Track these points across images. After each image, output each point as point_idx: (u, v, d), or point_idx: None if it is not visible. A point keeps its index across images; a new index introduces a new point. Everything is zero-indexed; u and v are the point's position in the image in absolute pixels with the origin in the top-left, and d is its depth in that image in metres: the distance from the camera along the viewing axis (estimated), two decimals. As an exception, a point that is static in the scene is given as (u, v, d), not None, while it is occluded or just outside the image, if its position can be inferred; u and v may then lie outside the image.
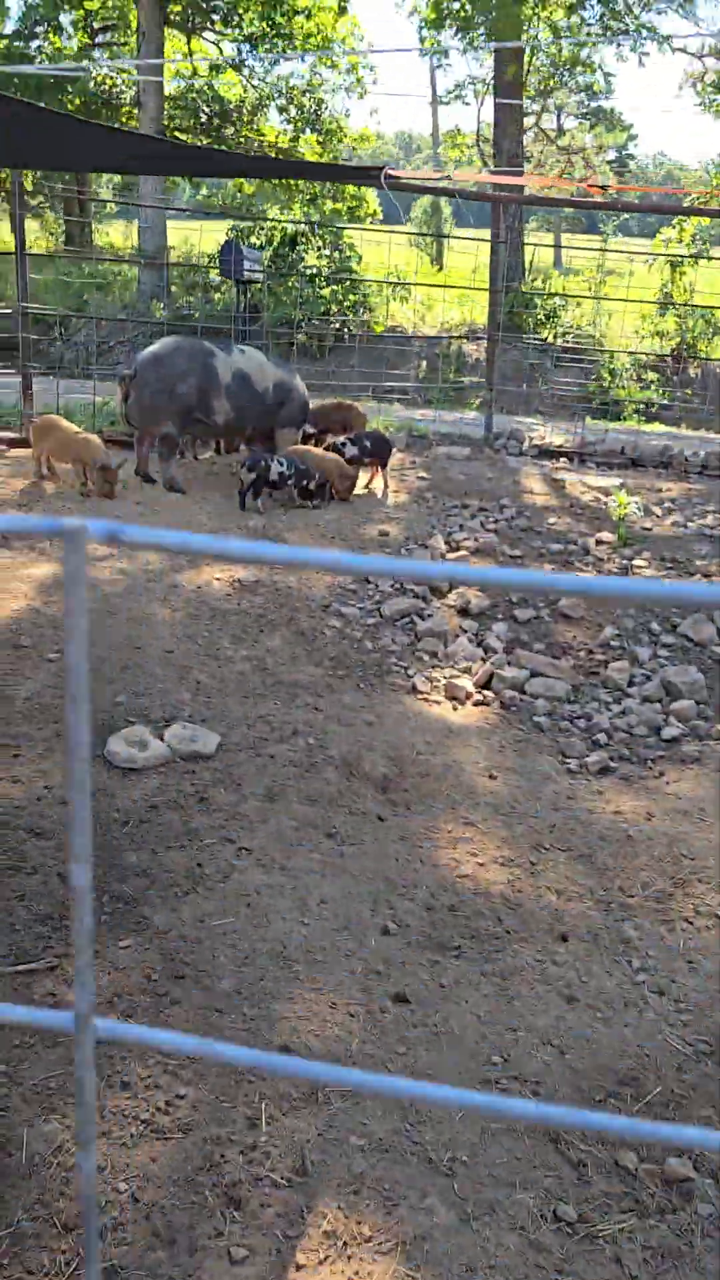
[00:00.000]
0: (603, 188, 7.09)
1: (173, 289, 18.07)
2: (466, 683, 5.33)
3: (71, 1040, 2.73)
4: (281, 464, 7.54)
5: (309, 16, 20.77)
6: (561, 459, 10.16)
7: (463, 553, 7.05)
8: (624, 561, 7.17)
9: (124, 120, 21.29)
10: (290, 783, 4.15)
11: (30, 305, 8.70)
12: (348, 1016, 2.90)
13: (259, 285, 13.31)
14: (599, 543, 7.52)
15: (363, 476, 8.26)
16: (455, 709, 5.15)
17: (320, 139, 22.04)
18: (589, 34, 19.58)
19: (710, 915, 3.50)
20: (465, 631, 6.02)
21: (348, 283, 17.15)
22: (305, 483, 7.65)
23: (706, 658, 5.81)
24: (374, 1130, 2.49)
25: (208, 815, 3.86)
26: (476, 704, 5.23)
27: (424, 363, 16.97)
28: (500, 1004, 3.02)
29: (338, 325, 16.78)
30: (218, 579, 6.24)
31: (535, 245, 22.06)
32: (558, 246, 30.84)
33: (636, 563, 7.16)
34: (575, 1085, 2.72)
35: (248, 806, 3.94)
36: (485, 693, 5.32)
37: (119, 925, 3.21)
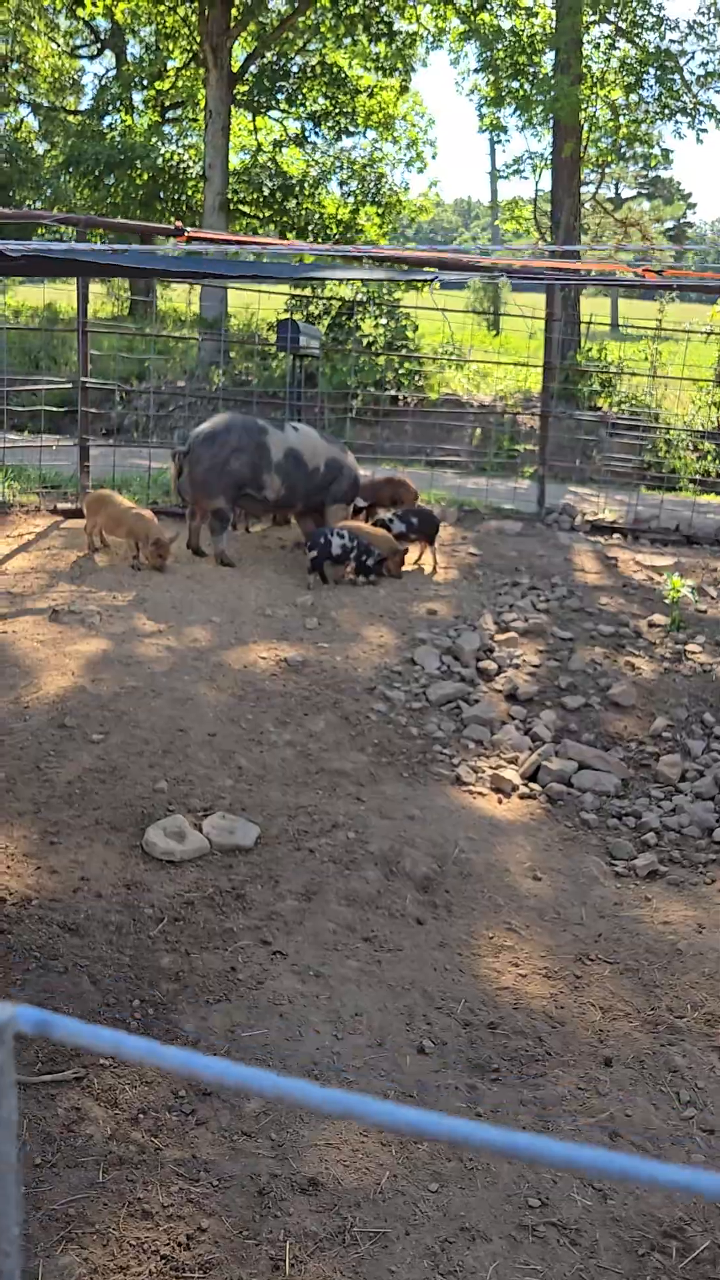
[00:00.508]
0: (658, 273, 7.09)
1: (231, 355, 18.46)
2: (513, 774, 5.23)
3: (98, 1161, 2.65)
4: (343, 537, 7.61)
5: (371, 95, 21.35)
6: (614, 535, 10.08)
7: (512, 634, 6.97)
8: (677, 646, 7.04)
9: (190, 193, 21.97)
10: (329, 880, 4.07)
11: (89, 379, 8.89)
12: (379, 1147, 2.79)
13: (315, 359, 13.54)
14: (651, 625, 7.41)
15: (413, 551, 8.26)
16: (500, 802, 5.04)
17: (380, 211, 22.51)
18: (647, 112, 19.86)
19: (763, 1043, 3.34)
20: (513, 719, 5.92)
21: (403, 351, 17.37)
22: (365, 558, 7.70)
23: (761, 752, 5.65)
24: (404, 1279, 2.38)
25: (244, 914, 3.79)
26: (523, 797, 5.12)
27: (478, 430, 17.09)
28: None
29: (393, 393, 16.98)
30: (264, 658, 6.23)
31: (592, 316, 22.17)
32: (614, 324, 31.05)
33: (690, 648, 7.03)
34: (617, 1235, 2.58)
35: (285, 906, 3.87)
36: (532, 785, 5.21)
37: (147, 1034, 3.14)
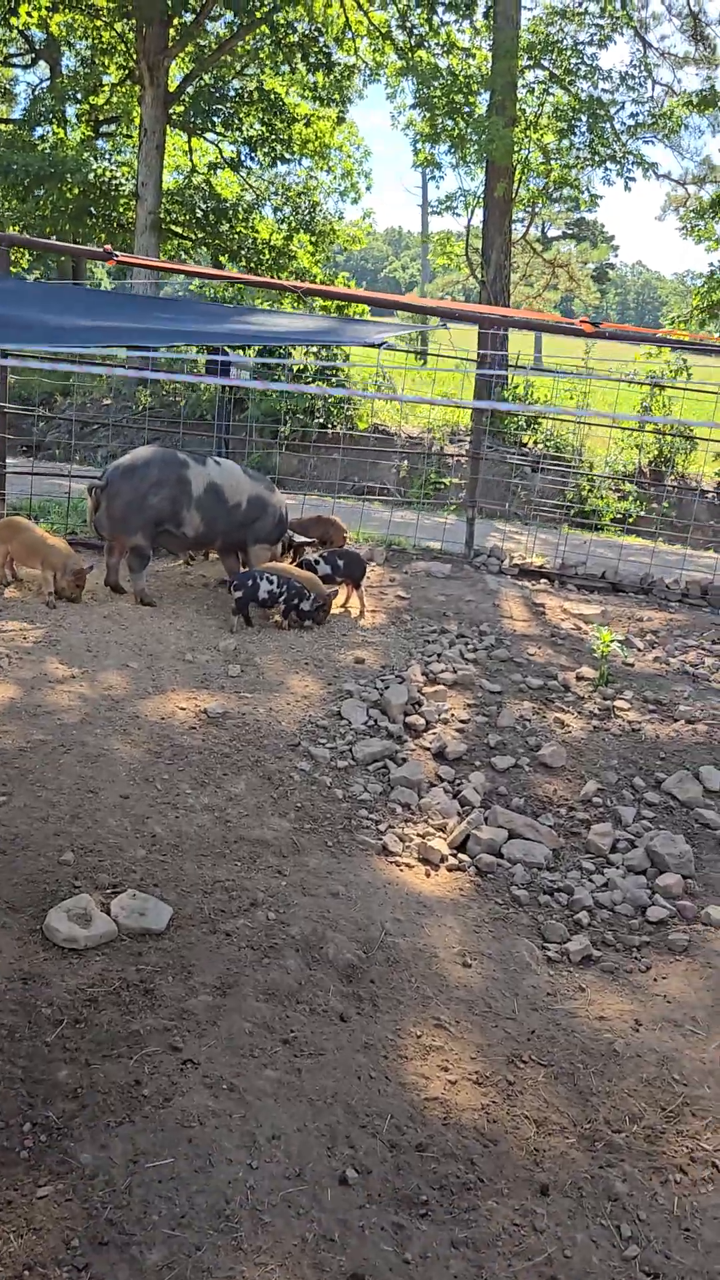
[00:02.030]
0: (594, 324, 7.02)
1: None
2: (441, 844, 5.00)
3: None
4: (271, 582, 7.31)
5: (308, 124, 21.26)
6: (542, 580, 9.99)
7: (440, 686, 6.77)
8: (605, 702, 6.92)
9: (121, 210, 21.56)
10: (247, 970, 3.77)
11: (7, 405, 8.48)
12: (297, 1306, 2.50)
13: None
14: (579, 679, 7.28)
15: (340, 594, 8.03)
16: (429, 875, 4.80)
17: (313, 239, 22.39)
18: (578, 157, 20.14)
19: (707, 1163, 3.14)
20: (442, 780, 5.70)
21: (334, 380, 17.21)
22: (297, 602, 7.41)
23: (693, 821, 5.52)
24: None
25: (153, 1013, 3.47)
26: (451, 869, 4.89)
27: (405, 462, 16.99)
28: (472, 1289, 2.63)
29: (322, 420, 16.79)
30: (182, 708, 5.92)
31: (519, 354, 22.33)
32: (538, 359, 31.43)
33: (618, 703, 6.92)
34: None
35: (197, 1002, 3.56)
36: (461, 856, 4.98)
37: (39, 1165, 2.81)
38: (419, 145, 20.54)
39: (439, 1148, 3.10)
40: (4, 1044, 3.22)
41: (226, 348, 10.83)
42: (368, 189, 23.20)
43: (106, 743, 5.36)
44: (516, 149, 18.37)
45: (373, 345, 4.23)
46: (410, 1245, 2.73)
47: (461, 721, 6.38)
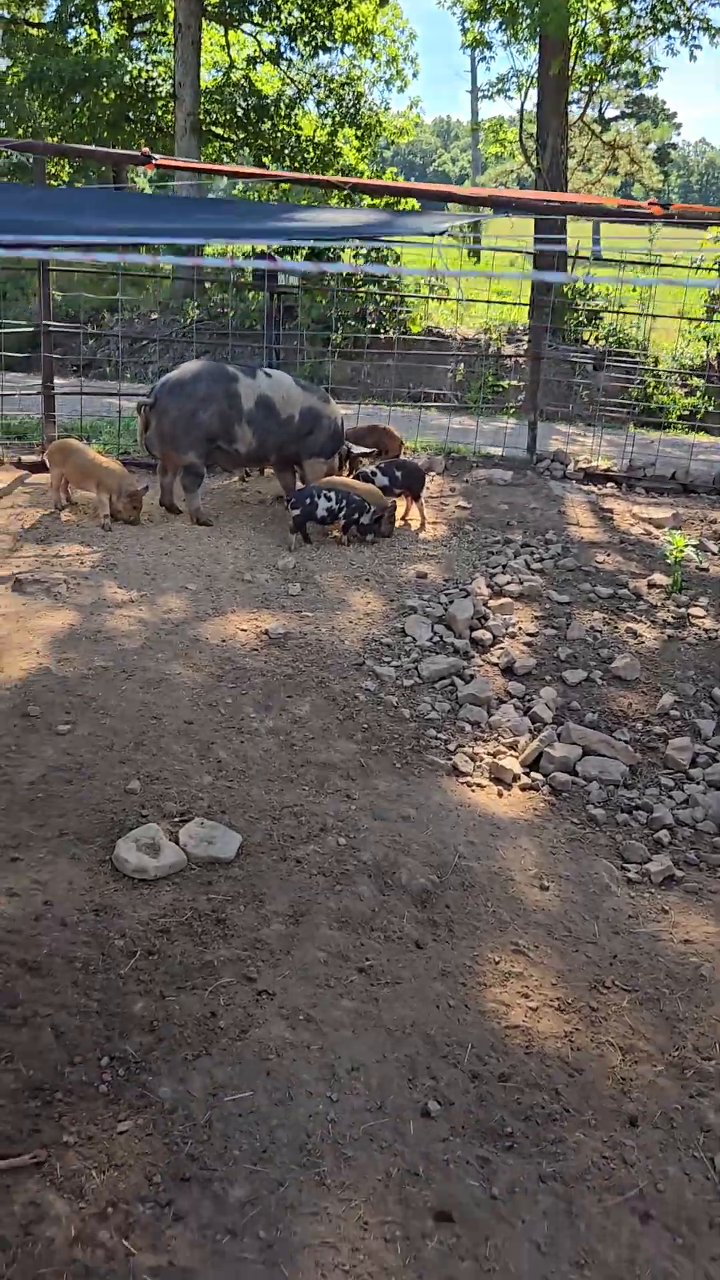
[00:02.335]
0: (664, 206, 6.55)
1: (207, 286, 17.61)
2: (513, 763, 4.86)
3: (60, 1272, 2.30)
4: (330, 498, 7.11)
5: (349, 8, 20.19)
6: (609, 484, 9.63)
7: (506, 599, 6.56)
8: (680, 610, 6.65)
9: (160, 113, 20.81)
10: (319, 898, 3.70)
11: (52, 323, 8.27)
12: (382, 1243, 2.45)
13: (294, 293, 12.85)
14: (651, 587, 7.01)
15: (399, 506, 7.79)
16: (501, 795, 4.67)
17: (359, 134, 21.47)
18: (639, 26, 18.86)
19: None
20: (511, 696, 5.54)
21: (385, 283, 16.62)
22: (358, 516, 7.21)
23: (776, 732, 5.30)
24: None
25: (225, 943, 3.42)
26: (524, 788, 4.76)
27: (461, 365, 16.43)
28: (563, 1224, 2.56)
29: (374, 326, 16.28)
30: (243, 630, 5.80)
31: (578, 243, 21.31)
32: (596, 250, 30.06)
33: (693, 611, 6.65)
34: None
35: (270, 931, 3.50)
36: (534, 775, 4.84)
37: (118, 1100, 2.78)
38: (467, 24, 19.37)
39: (522, 1077, 3.02)
40: (78, 977, 3.19)
41: (273, 251, 10.44)
42: (414, 76, 22.09)
43: (168, 667, 5.27)
44: (572, 20, 17.23)
45: (430, 235, 3.93)
46: (497, 1179, 2.66)
47: (529, 635, 6.18)
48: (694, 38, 18.32)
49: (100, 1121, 2.71)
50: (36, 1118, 2.70)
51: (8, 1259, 2.32)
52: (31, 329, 10.05)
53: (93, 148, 13.74)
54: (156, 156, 7.24)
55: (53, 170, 21.52)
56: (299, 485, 7.82)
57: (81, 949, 3.31)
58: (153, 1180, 2.56)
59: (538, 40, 18.48)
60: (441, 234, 3.77)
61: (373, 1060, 3.00)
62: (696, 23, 18.26)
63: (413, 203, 19.15)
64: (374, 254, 16.96)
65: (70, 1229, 2.41)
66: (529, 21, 17.91)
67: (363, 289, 16.00)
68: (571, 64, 18.98)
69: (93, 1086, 2.81)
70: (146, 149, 7.44)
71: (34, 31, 21.93)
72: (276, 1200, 2.53)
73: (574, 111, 22.06)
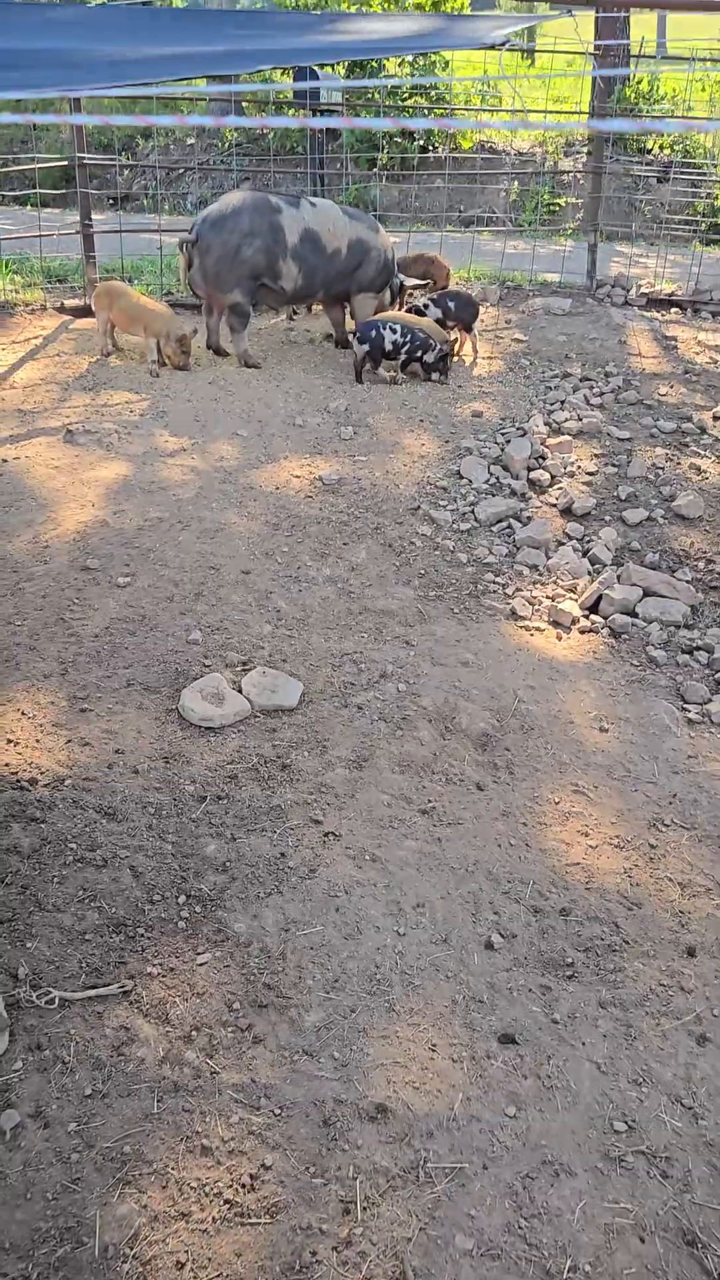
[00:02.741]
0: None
1: (245, 107, 16.62)
2: (572, 606, 4.82)
3: (151, 1088, 2.49)
4: (395, 331, 6.90)
5: None
6: (673, 309, 9.15)
7: (565, 437, 6.37)
8: (747, 443, 6.42)
9: None
10: (380, 743, 3.78)
11: (86, 156, 7.90)
12: (450, 1063, 2.61)
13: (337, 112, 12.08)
14: (716, 419, 6.76)
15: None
16: (560, 639, 4.67)
17: None
18: None
19: None
20: (570, 538, 5.45)
21: (433, 94, 15.54)
22: (422, 354, 7.00)
23: None
24: (483, 1226, 2.22)
25: (291, 787, 3.53)
26: (583, 631, 4.74)
27: (515, 184, 15.51)
28: (622, 1046, 2.69)
29: (422, 144, 15.33)
30: (297, 476, 5.74)
31: (644, 39, 19.60)
32: (660, 47, 27.62)
33: (761, 444, 6.41)
34: (711, 1163, 2.41)
35: (334, 776, 3.60)
36: (593, 617, 4.81)
37: (196, 934, 2.94)
38: None
39: (582, 911, 3.12)
40: (153, 821, 3.32)
41: (315, 66, 9.77)
42: None
43: (223, 516, 5.26)
44: None
45: (490, 47, 3.63)
46: (558, 1006, 2.79)
47: (589, 474, 6.03)
48: None
49: (181, 954, 2.87)
50: (122, 950, 2.87)
51: (104, 1076, 2.51)
52: (64, 162, 9.64)
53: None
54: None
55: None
56: (349, 322, 7.55)
57: (154, 794, 3.44)
58: (232, 1007, 2.72)
59: None
60: (504, 45, 3.46)
61: (437, 897, 3.12)
62: None
63: (463, 1, 17.72)
64: (421, 62, 15.82)
65: (158, 1050, 2.59)
66: None
67: (410, 101, 14.98)
68: None
69: (171, 922, 2.97)
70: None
71: None
72: (349, 1025, 2.69)
73: None
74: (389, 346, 6.93)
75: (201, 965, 2.84)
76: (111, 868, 3.13)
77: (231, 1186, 2.30)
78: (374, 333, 6.89)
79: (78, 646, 4.20)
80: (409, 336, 6.91)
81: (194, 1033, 2.65)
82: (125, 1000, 2.72)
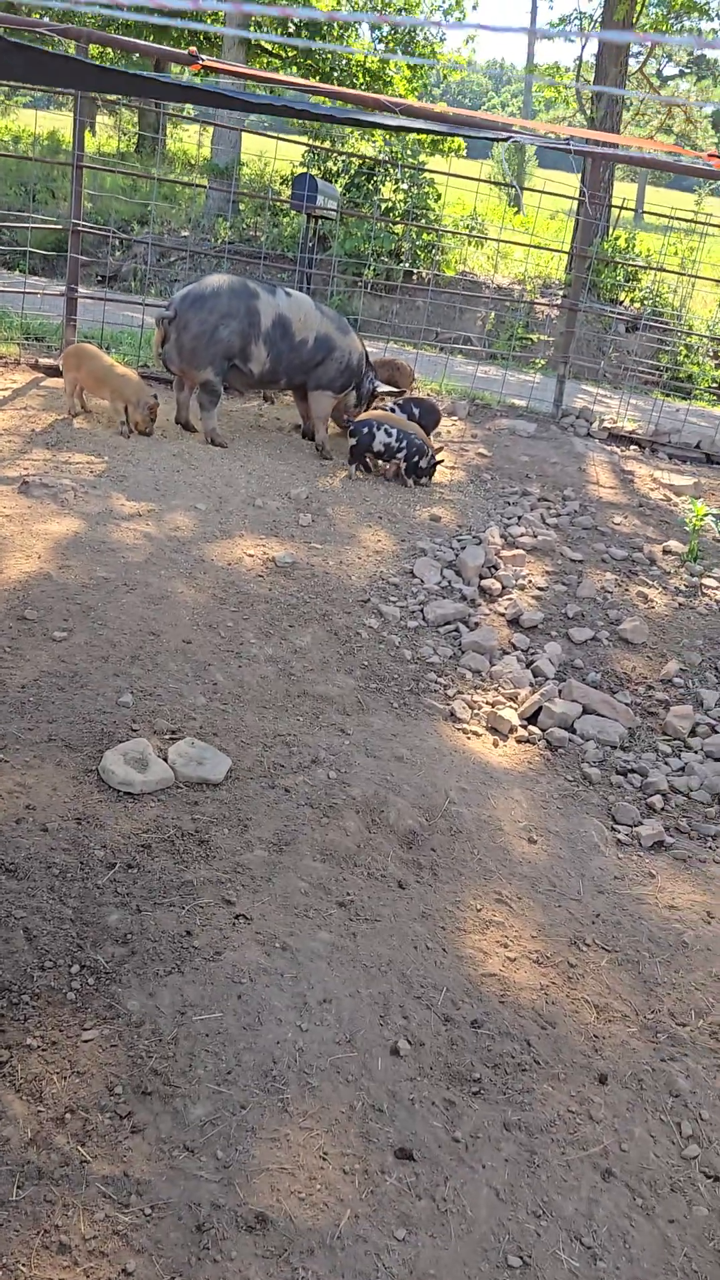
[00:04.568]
0: (725, 159, 6.30)
1: (241, 208, 17.17)
2: (512, 715, 4.79)
3: (13, 1172, 2.27)
4: (390, 434, 7.01)
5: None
6: (632, 446, 9.45)
7: (519, 550, 6.44)
8: (693, 579, 6.55)
9: (209, 21, 20.13)
10: (305, 829, 3.64)
11: (82, 223, 8.03)
12: (341, 1174, 2.42)
13: (330, 220, 12.52)
14: (666, 553, 6.90)
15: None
16: (497, 745, 4.61)
17: (410, 65, 20.81)
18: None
19: (775, 1066, 2.98)
20: (515, 648, 5.45)
21: (423, 222, 16.21)
22: (417, 459, 7.11)
23: (778, 709, 5.23)
24: None
25: (206, 864, 3.36)
26: (521, 740, 4.69)
27: (492, 315, 16.10)
28: (523, 1173, 2.53)
29: (408, 266, 15.91)
30: (250, 555, 5.69)
31: (624, 200, 20.84)
32: (639, 212, 29.44)
33: (706, 581, 6.54)
34: (607, 1310, 2.24)
35: (253, 857, 3.44)
36: (531, 728, 4.77)
37: (85, 1008, 2.74)
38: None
39: (495, 1026, 2.98)
40: (56, 883, 3.13)
41: (314, 175, 10.13)
42: (474, 8, 21.37)
43: (171, 585, 5.17)
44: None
45: (498, 139, 3.76)
46: (461, 1123, 2.63)
47: (539, 589, 6.08)
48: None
49: (65, 1028, 2.66)
50: (1, 1018, 2.65)
51: (-39, 1155, 2.28)
52: (59, 227, 9.79)
53: (137, 40, 13.31)
54: (203, 57, 6.95)
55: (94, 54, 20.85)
56: (310, 418, 7.63)
57: (60, 855, 3.25)
58: (114, 1090, 2.52)
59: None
60: (509, 139, 3.58)
61: (345, 994, 2.95)
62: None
63: (459, 143, 18.65)
64: (415, 189, 16.54)
65: (26, 1131, 2.37)
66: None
67: (399, 225, 15.59)
68: (636, 13, 18.36)
69: (61, 993, 2.77)
70: (194, 49, 7.15)
71: None
72: (237, 1122, 2.50)
73: (633, 65, 21.39)
74: (379, 446, 7.04)
75: (87, 1042, 2.64)
76: (4, 927, 2.93)
77: (87, 1292, 2.07)
78: (366, 430, 7.02)
79: (1, 695, 4.04)
80: (403, 440, 7.04)
81: (68, 1115, 2.44)
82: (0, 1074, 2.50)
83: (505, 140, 3.54)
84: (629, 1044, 3.03)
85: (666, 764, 4.70)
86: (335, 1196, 2.36)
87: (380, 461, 7.24)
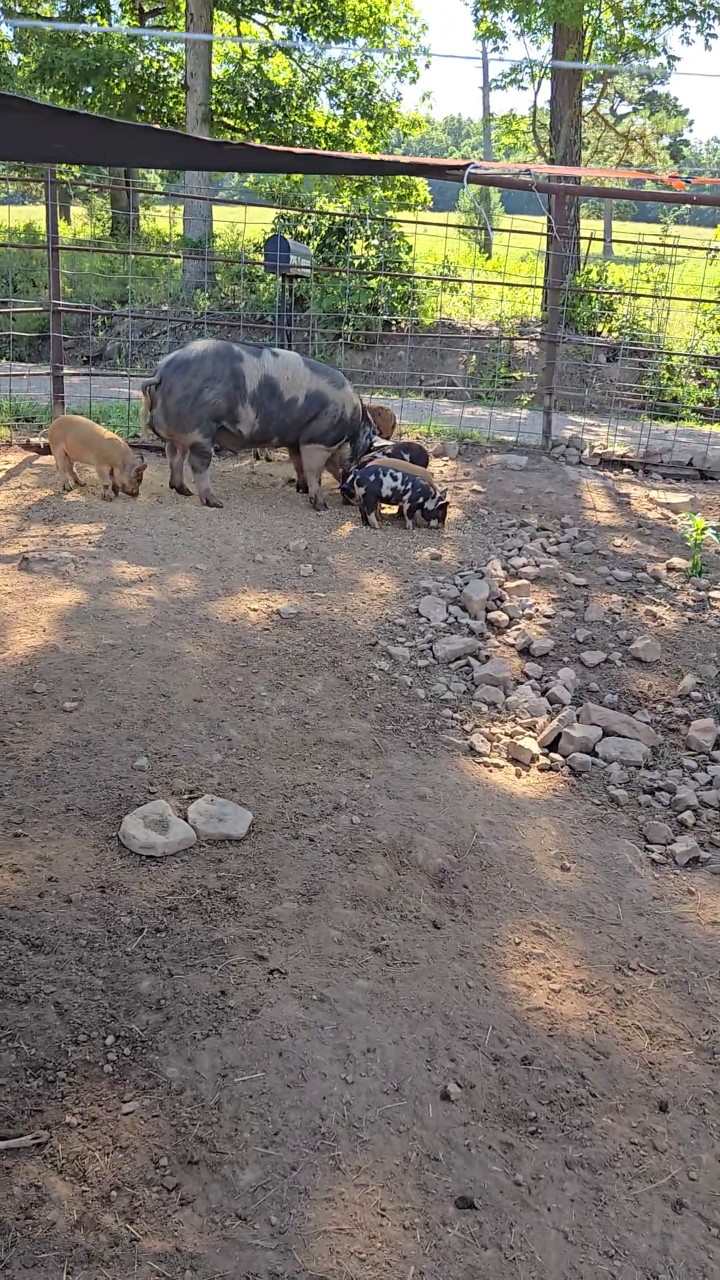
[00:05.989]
0: (686, 181, 6.39)
1: (217, 278, 17.51)
2: (531, 743, 4.72)
3: (61, 1257, 2.18)
4: (395, 478, 7.08)
5: (362, -3, 20.08)
6: (625, 469, 9.47)
7: (523, 580, 6.42)
8: (699, 593, 6.51)
9: (171, 104, 20.71)
10: (332, 876, 3.57)
11: (62, 302, 8.15)
12: (401, 1230, 2.32)
13: (305, 280, 12.72)
14: (670, 570, 6.87)
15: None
16: (519, 775, 4.54)
17: (370, 125, 21.33)
18: (653, 15, 18.66)
19: None
20: (529, 677, 5.40)
21: (396, 275, 16.47)
22: (423, 501, 7.15)
23: None
24: None
25: (236, 921, 3.29)
26: (543, 769, 4.62)
27: (473, 358, 16.27)
28: (591, 1213, 2.42)
29: (386, 317, 16.13)
30: (254, 609, 5.68)
31: (592, 234, 21.17)
32: (607, 244, 29.89)
33: (714, 594, 6.50)
34: (694, 1350, 2.13)
35: (282, 909, 3.37)
36: (553, 755, 4.70)
37: (124, 1080, 2.65)
38: (480, 14, 19.24)
39: (546, 1061, 2.88)
40: (84, 954, 3.06)
41: (286, 237, 10.30)
42: (426, 67, 21.96)
43: (177, 646, 5.15)
44: (586, 9, 17.03)
45: (457, 175, 3.81)
46: (521, 1166, 2.52)
47: (547, 616, 6.04)
48: (709, 25, 18.12)
49: (104, 1102, 2.58)
50: (38, 1098, 2.57)
51: (6, 1243, 2.19)
52: (41, 309, 9.94)
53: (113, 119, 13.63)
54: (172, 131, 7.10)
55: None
56: (304, 471, 7.67)
57: (87, 926, 3.19)
58: (159, 1163, 2.43)
59: (551, 31, 18.32)
60: (467, 174, 3.63)
61: (389, 1042, 2.86)
62: (712, 10, 18.06)
63: (422, 189, 19.03)
64: (386, 243, 16.83)
65: (72, 1213, 2.28)
66: (542, 11, 17.75)
67: (374, 279, 15.84)
68: (585, 54, 18.80)
69: (97, 1066, 2.69)
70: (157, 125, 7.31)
71: (46, 24, 21.78)
72: (289, 1185, 2.40)
73: (586, 106, 21.86)
74: (387, 492, 7.11)
75: (127, 1115, 2.55)
76: (34, 1004, 2.85)
77: None
78: (373, 477, 7.08)
79: (15, 770, 3.99)
80: (409, 484, 7.10)
81: (114, 1193, 2.35)
82: (39, 1154, 2.42)
83: (464, 169, 3.57)
84: (686, 1068, 2.93)
85: (694, 779, 4.62)
86: (397, 1254, 2.26)
87: (384, 505, 7.30)
